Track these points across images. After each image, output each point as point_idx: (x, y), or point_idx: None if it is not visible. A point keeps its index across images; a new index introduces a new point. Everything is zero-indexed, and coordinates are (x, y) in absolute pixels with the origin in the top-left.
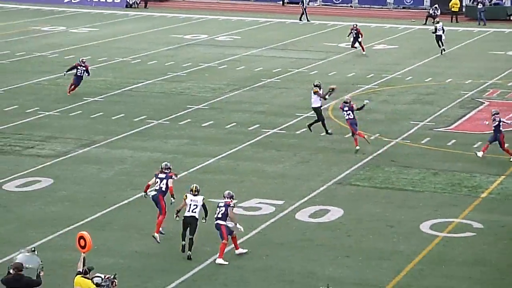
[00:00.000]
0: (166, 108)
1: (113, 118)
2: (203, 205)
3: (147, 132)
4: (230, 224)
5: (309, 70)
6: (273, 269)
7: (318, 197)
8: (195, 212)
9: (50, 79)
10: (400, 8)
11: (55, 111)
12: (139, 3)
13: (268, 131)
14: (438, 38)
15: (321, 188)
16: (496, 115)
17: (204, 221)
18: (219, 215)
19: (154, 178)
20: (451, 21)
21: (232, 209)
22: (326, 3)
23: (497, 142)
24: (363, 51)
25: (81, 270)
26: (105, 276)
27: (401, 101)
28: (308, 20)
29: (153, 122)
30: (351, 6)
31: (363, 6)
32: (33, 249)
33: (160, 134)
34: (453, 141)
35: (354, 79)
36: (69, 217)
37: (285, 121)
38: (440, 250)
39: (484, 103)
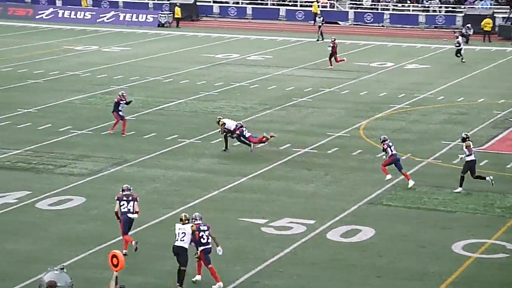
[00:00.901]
0: (198, 127)
1: (145, 137)
2: (192, 234)
3: (179, 151)
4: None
5: (340, 90)
6: None
7: (350, 217)
8: (183, 240)
9: (82, 98)
10: (432, 28)
11: (88, 129)
12: (171, 22)
13: (300, 151)
14: (458, 51)
15: (353, 208)
16: None
17: (196, 255)
18: (208, 240)
19: (118, 202)
20: (484, 41)
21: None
22: (358, 23)
23: None
24: (331, 65)
25: None
26: None
27: (433, 120)
28: (322, 39)
29: (184, 141)
30: (382, 26)
31: (394, 25)
32: (62, 267)
33: (191, 153)
34: (486, 161)
35: (386, 98)
36: (101, 235)
37: (316, 140)
38: (473, 271)
39: None
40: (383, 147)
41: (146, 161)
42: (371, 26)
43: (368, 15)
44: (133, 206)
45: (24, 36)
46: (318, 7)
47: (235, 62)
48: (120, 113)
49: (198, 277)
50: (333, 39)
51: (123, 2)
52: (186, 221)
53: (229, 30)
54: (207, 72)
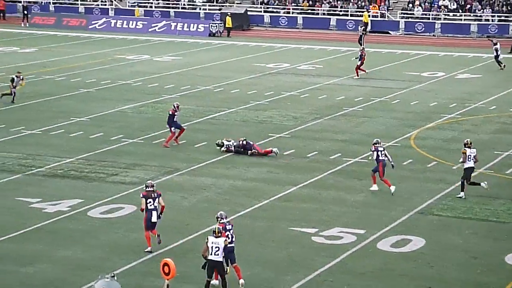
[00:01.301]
0: (248, 136)
1: (195, 146)
2: (224, 248)
3: (229, 160)
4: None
5: (391, 99)
6: None
7: (400, 227)
8: (217, 254)
9: (134, 107)
10: (484, 37)
11: (139, 138)
12: (222, 32)
13: (350, 160)
14: (496, 58)
15: (403, 218)
16: None
17: (227, 270)
18: (232, 239)
19: (144, 200)
20: None
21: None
22: (409, 32)
23: None
24: (357, 75)
25: None
26: None
27: (485, 130)
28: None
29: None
30: (433, 35)
31: (446, 35)
32: (112, 275)
33: (242, 162)
34: None
35: (437, 108)
36: (152, 244)
37: (367, 150)
38: None
39: None
40: (371, 149)
41: (196, 170)
42: (422, 35)
43: (419, 24)
44: (159, 202)
45: (77, 45)
46: (369, 16)
47: (285, 72)
48: (177, 123)
49: (215, 282)
50: (362, 48)
51: (175, 11)
52: (219, 234)
53: (280, 40)
54: (257, 82)
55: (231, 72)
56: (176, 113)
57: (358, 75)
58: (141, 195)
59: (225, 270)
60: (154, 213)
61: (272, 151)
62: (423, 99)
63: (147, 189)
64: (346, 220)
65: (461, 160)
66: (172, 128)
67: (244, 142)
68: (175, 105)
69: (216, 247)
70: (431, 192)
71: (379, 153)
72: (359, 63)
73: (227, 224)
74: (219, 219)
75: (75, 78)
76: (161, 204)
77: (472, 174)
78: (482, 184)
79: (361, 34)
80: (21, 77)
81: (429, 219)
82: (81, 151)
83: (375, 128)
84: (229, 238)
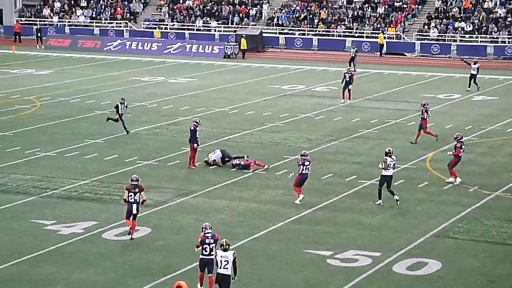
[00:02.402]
0: (263, 158)
1: (210, 168)
2: (234, 262)
3: (244, 182)
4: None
5: (407, 122)
6: None
7: (416, 250)
8: (226, 268)
9: (148, 128)
10: (501, 59)
11: (153, 160)
12: (237, 53)
13: (365, 182)
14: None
15: (419, 241)
16: None
17: (233, 280)
18: (211, 252)
19: (127, 192)
20: None
21: None
22: (424, 54)
23: None
24: (349, 98)
25: None
26: None
27: (501, 153)
28: (355, 70)
29: (250, 172)
30: (449, 57)
31: (461, 56)
32: None
33: (257, 184)
34: None
35: (452, 130)
36: (167, 266)
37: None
38: None
39: None
40: (298, 163)
41: (211, 192)
42: (438, 57)
43: (435, 46)
44: (140, 196)
45: (92, 67)
46: (384, 38)
47: (300, 93)
48: (198, 140)
49: None
50: (353, 70)
51: (190, 33)
52: (227, 246)
53: (295, 62)
54: (272, 103)
55: (246, 94)
56: (197, 129)
57: (347, 98)
58: (125, 188)
59: (233, 280)
60: (134, 205)
61: (255, 164)
62: (439, 121)
63: (132, 183)
64: (361, 242)
65: (381, 166)
66: (195, 145)
67: (241, 161)
68: (197, 121)
69: (225, 261)
70: (447, 214)
71: (304, 166)
72: (343, 84)
73: (209, 237)
74: (203, 229)
75: (90, 100)
76: (143, 198)
77: (393, 182)
78: (395, 197)
79: (353, 55)
80: (125, 103)
81: (445, 242)
82: (96, 173)
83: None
84: (206, 251)
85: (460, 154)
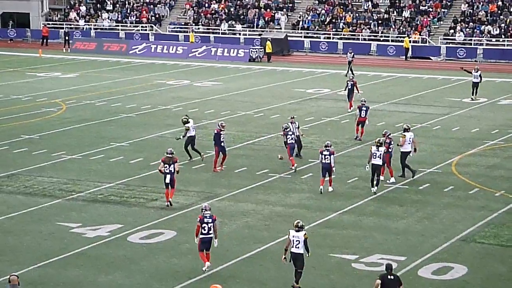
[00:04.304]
0: (288, 162)
1: (236, 171)
2: (305, 241)
3: (270, 186)
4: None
5: (432, 125)
6: None
7: (442, 254)
8: (298, 247)
9: (174, 132)
10: None
11: (179, 164)
12: (262, 57)
13: (391, 186)
14: (475, 85)
15: (445, 245)
16: None
17: (308, 255)
18: (209, 231)
19: (162, 164)
20: None
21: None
22: (450, 58)
23: None
24: (350, 108)
25: None
26: None
27: None
28: (346, 75)
29: (275, 176)
30: (475, 61)
31: (488, 60)
32: None
33: (282, 188)
34: None
35: (479, 134)
36: (192, 270)
37: (408, 176)
38: None
39: None
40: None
41: (237, 195)
42: (464, 61)
43: (461, 50)
44: (174, 168)
45: (118, 71)
46: (410, 42)
47: (326, 97)
48: (222, 144)
49: (208, 264)
50: (351, 77)
51: (215, 37)
52: (299, 228)
53: (320, 65)
54: (298, 107)
55: (271, 97)
56: (221, 132)
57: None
58: (161, 160)
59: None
60: (168, 176)
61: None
62: (465, 125)
63: (167, 155)
64: (386, 246)
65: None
66: (218, 146)
67: None
68: (220, 124)
69: (297, 241)
70: (474, 219)
71: (322, 156)
72: (346, 92)
73: (207, 217)
74: (202, 210)
75: (115, 103)
76: (176, 169)
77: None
78: (373, 189)
79: (350, 59)
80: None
81: (472, 246)
82: (121, 176)
83: (416, 155)
84: (205, 230)
85: (389, 150)
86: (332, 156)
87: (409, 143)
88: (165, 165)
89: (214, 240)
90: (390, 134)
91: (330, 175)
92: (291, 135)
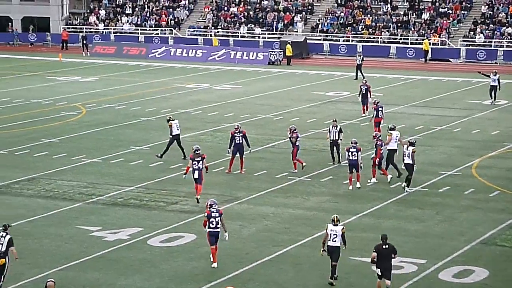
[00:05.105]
0: (308, 165)
1: (255, 174)
2: (342, 235)
3: (289, 189)
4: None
5: (452, 128)
6: None
7: (462, 257)
8: (335, 241)
9: (193, 135)
10: None
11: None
12: (282, 60)
13: (411, 189)
14: (492, 89)
15: (465, 248)
16: None
17: (344, 248)
18: (217, 225)
19: (191, 161)
20: None
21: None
22: (470, 60)
23: None
24: (363, 112)
25: None
26: None
27: None
28: (356, 78)
29: (295, 179)
30: (496, 63)
31: (508, 62)
32: None
33: (301, 191)
34: None
35: (499, 137)
36: (211, 273)
37: (427, 179)
38: None
39: None
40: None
41: (256, 198)
42: (484, 63)
43: (481, 52)
44: (202, 164)
45: (137, 74)
46: (429, 44)
47: (345, 100)
48: (239, 146)
49: (214, 265)
50: (365, 81)
51: (234, 40)
52: (337, 222)
53: (340, 68)
54: (317, 110)
55: (290, 100)
56: (235, 134)
57: (367, 110)
58: (189, 157)
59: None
60: (197, 172)
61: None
62: (485, 128)
63: (195, 152)
64: (406, 249)
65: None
66: (229, 150)
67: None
68: (236, 126)
69: (334, 234)
70: (494, 222)
71: (349, 153)
72: (360, 98)
73: (214, 211)
74: (209, 205)
75: (135, 107)
76: (205, 165)
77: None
78: (407, 188)
79: (359, 63)
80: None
81: (492, 249)
82: (141, 180)
83: (436, 157)
84: (213, 224)
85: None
86: (359, 152)
87: (395, 142)
88: (194, 162)
89: (225, 234)
90: (380, 136)
91: (357, 171)
92: (296, 137)
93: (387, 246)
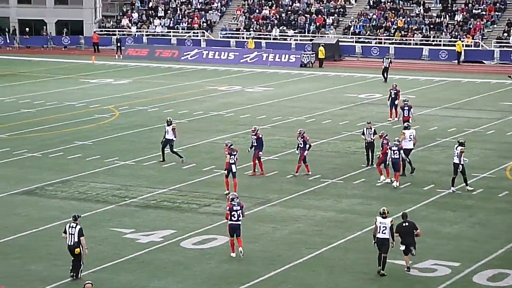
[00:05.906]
0: (340, 167)
1: (287, 177)
2: (391, 228)
3: (321, 191)
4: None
5: (485, 130)
6: None
7: (497, 260)
8: (384, 233)
9: (225, 138)
10: None
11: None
12: (314, 62)
13: (443, 192)
14: None
15: (500, 251)
16: None
17: (392, 244)
18: (238, 218)
19: (228, 156)
20: None
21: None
22: (504, 61)
23: None
24: (390, 116)
25: None
26: None
27: None
28: (386, 81)
29: (327, 181)
30: None
31: None
32: None
33: (333, 193)
34: None
35: None
36: (244, 275)
37: (460, 181)
38: None
39: None
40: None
41: (288, 201)
42: None
43: None
44: (236, 157)
45: (170, 77)
46: (463, 46)
47: (378, 102)
48: (257, 147)
49: (240, 249)
50: (395, 85)
51: (266, 42)
52: (385, 215)
53: (372, 70)
54: (349, 112)
55: (322, 102)
56: (252, 137)
57: (395, 116)
58: (226, 153)
59: (392, 245)
60: (234, 165)
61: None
62: None
63: (231, 147)
64: (439, 252)
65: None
66: (248, 149)
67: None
68: (252, 128)
69: (383, 227)
70: None
71: (391, 151)
72: (389, 102)
73: (236, 205)
74: (230, 199)
75: (167, 109)
76: (237, 158)
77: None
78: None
79: (386, 66)
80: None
81: None
82: (174, 182)
83: (469, 159)
84: (235, 217)
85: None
86: (401, 150)
87: (409, 140)
88: (231, 156)
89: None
90: (387, 135)
91: (398, 170)
92: (303, 141)
93: (407, 224)
